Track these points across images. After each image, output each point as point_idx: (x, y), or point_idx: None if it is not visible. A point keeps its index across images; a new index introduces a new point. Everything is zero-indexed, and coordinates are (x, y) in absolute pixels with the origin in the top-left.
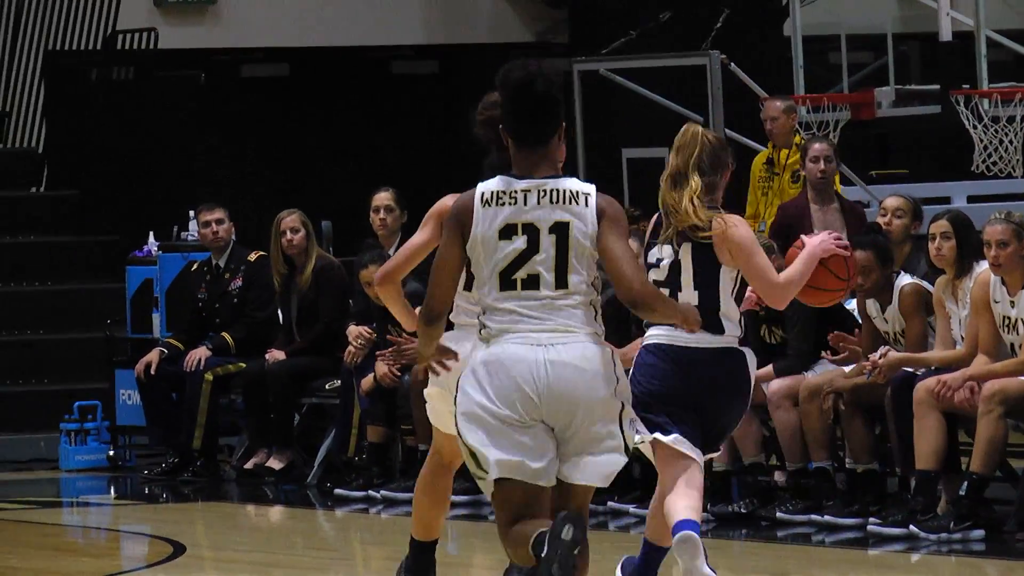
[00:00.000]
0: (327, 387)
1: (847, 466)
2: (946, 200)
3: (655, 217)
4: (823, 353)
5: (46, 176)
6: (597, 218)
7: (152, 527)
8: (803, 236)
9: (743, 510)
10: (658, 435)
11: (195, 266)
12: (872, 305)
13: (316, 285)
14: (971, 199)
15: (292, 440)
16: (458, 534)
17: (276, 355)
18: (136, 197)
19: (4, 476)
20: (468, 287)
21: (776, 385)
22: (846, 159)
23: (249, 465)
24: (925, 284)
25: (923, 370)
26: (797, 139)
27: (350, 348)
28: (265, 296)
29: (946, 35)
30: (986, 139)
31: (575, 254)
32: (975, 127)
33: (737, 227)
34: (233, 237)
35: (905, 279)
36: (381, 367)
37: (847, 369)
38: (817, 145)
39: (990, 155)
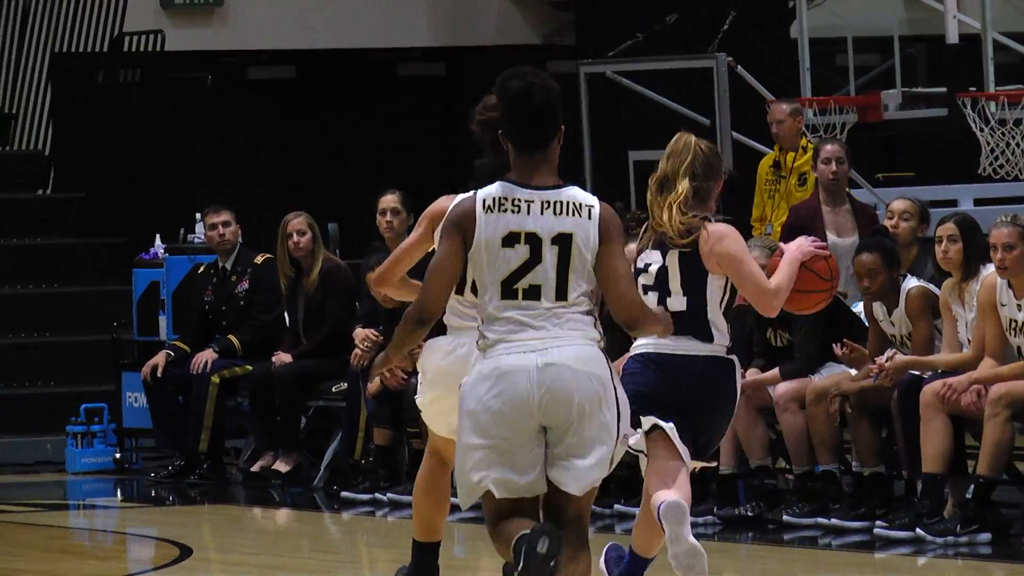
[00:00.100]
0: (334, 390)
1: (854, 469)
2: (953, 203)
3: (647, 222)
4: (835, 347)
5: (52, 178)
6: (600, 232)
7: (158, 530)
8: (781, 244)
9: (749, 513)
10: (654, 418)
11: (201, 269)
12: (879, 308)
13: (323, 287)
14: (978, 202)
15: (298, 443)
16: (464, 536)
17: (283, 358)
18: (142, 199)
19: (10, 478)
20: (459, 291)
21: (783, 388)
22: (852, 162)
23: (255, 468)
24: (932, 287)
25: (930, 373)
26: (803, 142)
27: (357, 351)
28: (272, 299)
29: (953, 38)
30: (993, 142)
31: (577, 265)
32: (982, 130)
33: (722, 240)
34: (239, 239)
35: (912, 282)
36: None
37: (854, 372)
38: (829, 146)
39: (997, 158)
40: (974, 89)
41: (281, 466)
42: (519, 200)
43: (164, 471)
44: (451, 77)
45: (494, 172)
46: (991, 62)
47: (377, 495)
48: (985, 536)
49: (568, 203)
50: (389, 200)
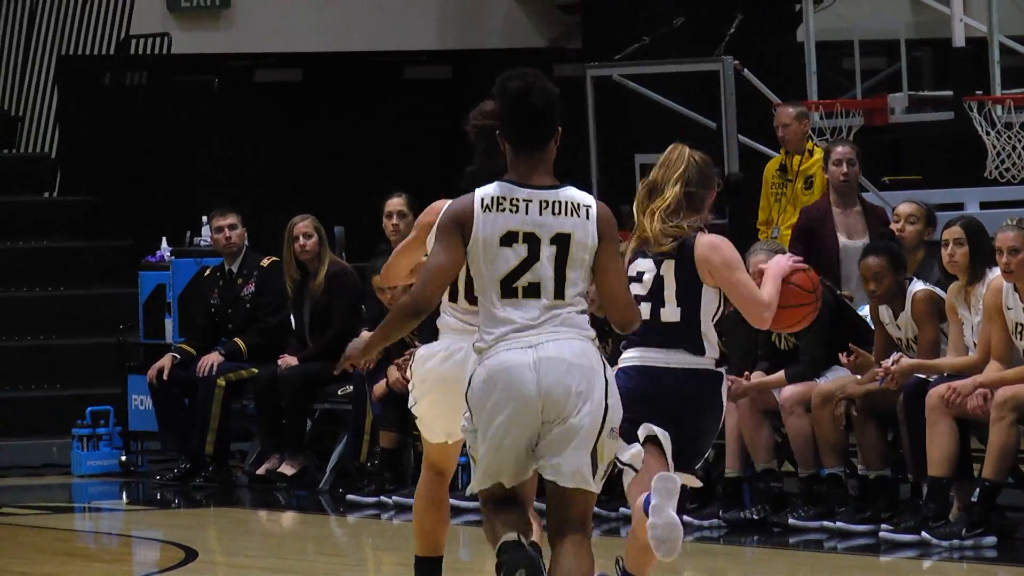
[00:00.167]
0: (339, 393)
1: (859, 472)
2: (959, 206)
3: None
4: (841, 357)
5: (59, 181)
6: (598, 232)
7: (164, 532)
8: (760, 265)
9: (755, 516)
10: (651, 425)
11: (208, 271)
12: (885, 311)
13: (329, 290)
14: (984, 205)
15: (304, 446)
16: (470, 540)
17: (289, 360)
18: (149, 202)
19: (16, 481)
20: (453, 298)
21: (788, 391)
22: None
23: (261, 471)
24: (938, 290)
25: (935, 376)
26: (810, 145)
27: None
28: (278, 302)
29: (959, 41)
30: (999, 145)
31: (574, 265)
32: (988, 133)
33: (714, 250)
34: (246, 242)
35: (918, 285)
36: (393, 373)
37: (859, 376)
38: (840, 148)
39: (1003, 161)
40: (980, 92)
41: (287, 469)
42: (518, 200)
43: (170, 474)
44: (457, 80)
45: (484, 179)
46: (997, 65)
47: (382, 498)
48: (990, 540)
49: (566, 203)
50: (395, 203)
